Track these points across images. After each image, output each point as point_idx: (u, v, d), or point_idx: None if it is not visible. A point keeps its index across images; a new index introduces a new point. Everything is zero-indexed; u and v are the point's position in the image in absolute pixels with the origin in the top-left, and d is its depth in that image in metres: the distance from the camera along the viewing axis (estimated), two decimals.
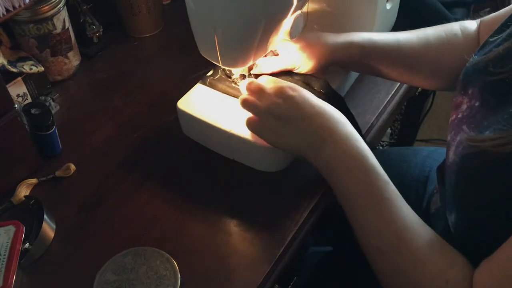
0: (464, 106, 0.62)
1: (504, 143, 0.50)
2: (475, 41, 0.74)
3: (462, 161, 0.58)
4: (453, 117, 0.63)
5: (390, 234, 0.57)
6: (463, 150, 0.58)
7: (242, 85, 0.73)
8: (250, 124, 0.68)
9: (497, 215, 0.53)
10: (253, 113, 0.68)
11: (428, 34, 0.76)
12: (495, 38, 0.62)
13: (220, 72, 0.78)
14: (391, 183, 0.60)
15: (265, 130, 0.66)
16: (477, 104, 0.60)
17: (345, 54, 0.75)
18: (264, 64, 0.76)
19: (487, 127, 0.55)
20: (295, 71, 0.76)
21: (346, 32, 0.76)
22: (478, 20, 0.76)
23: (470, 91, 0.62)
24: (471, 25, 0.76)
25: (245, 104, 0.68)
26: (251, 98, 0.68)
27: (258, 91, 0.68)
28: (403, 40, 0.75)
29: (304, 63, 0.75)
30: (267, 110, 0.65)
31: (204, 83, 0.78)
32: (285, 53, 0.76)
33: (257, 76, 0.77)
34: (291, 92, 0.65)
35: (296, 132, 0.64)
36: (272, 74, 0.77)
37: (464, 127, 0.59)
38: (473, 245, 0.57)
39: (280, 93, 0.65)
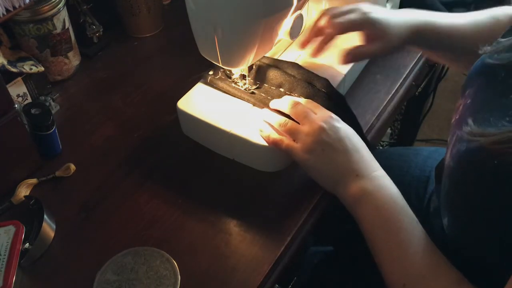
0: (460, 107, 0.63)
1: (501, 140, 0.50)
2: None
3: (455, 164, 0.58)
4: (453, 120, 0.64)
5: (416, 272, 0.58)
6: (457, 152, 0.58)
7: (279, 104, 0.72)
8: (288, 146, 0.67)
9: (487, 221, 0.54)
10: (292, 135, 0.67)
11: (478, 23, 0.77)
12: (506, 39, 0.62)
13: (220, 73, 0.78)
14: (419, 224, 0.61)
15: (304, 152, 0.66)
16: (468, 101, 0.61)
17: (407, 40, 0.77)
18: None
19: (488, 124, 0.55)
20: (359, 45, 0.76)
21: (404, 11, 0.78)
22: None
23: (467, 93, 0.62)
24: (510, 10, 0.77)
25: (287, 128, 0.68)
26: (294, 122, 0.68)
27: (303, 115, 0.67)
28: (456, 27, 0.77)
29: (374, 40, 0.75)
30: (312, 135, 0.65)
31: (205, 81, 0.78)
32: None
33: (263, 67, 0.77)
34: (337, 124, 0.66)
35: (332, 160, 0.65)
36: (278, 63, 0.77)
37: (469, 120, 0.60)
38: (465, 248, 0.58)
39: (327, 121, 0.66)
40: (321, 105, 0.71)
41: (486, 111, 0.57)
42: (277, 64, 0.78)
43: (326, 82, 0.75)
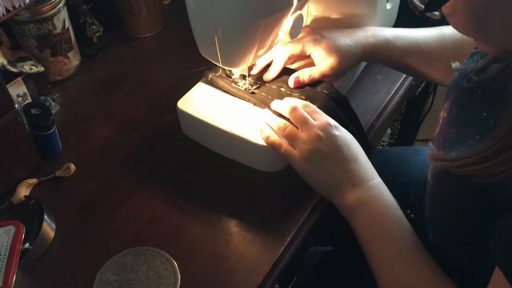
0: (440, 121, 0.63)
1: (462, 164, 0.51)
2: None
3: (433, 181, 0.59)
4: (435, 133, 0.64)
5: (408, 283, 0.58)
6: (434, 169, 0.59)
7: (279, 106, 0.71)
8: (286, 152, 0.67)
9: (465, 236, 0.55)
10: (290, 141, 0.67)
11: (445, 36, 0.77)
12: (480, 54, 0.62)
13: (220, 70, 0.78)
14: (413, 233, 0.61)
15: (301, 160, 0.66)
16: (445, 115, 0.61)
17: (362, 57, 0.77)
18: (278, 54, 0.76)
19: (452, 148, 0.56)
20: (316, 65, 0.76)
21: (360, 29, 0.78)
22: None
23: (446, 105, 0.63)
24: None
25: (286, 133, 0.68)
26: (293, 127, 0.68)
27: (302, 121, 0.67)
28: (421, 41, 0.77)
29: (323, 60, 0.75)
30: (310, 143, 0.65)
31: (206, 79, 0.78)
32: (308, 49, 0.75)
33: (256, 75, 0.77)
34: (335, 132, 0.66)
35: (329, 169, 0.65)
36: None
37: (431, 144, 0.61)
38: (452, 260, 0.59)
39: (325, 129, 0.65)
40: (322, 106, 0.71)
41: (457, 128, 0.57)
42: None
43: (327, 83, 0.75)
